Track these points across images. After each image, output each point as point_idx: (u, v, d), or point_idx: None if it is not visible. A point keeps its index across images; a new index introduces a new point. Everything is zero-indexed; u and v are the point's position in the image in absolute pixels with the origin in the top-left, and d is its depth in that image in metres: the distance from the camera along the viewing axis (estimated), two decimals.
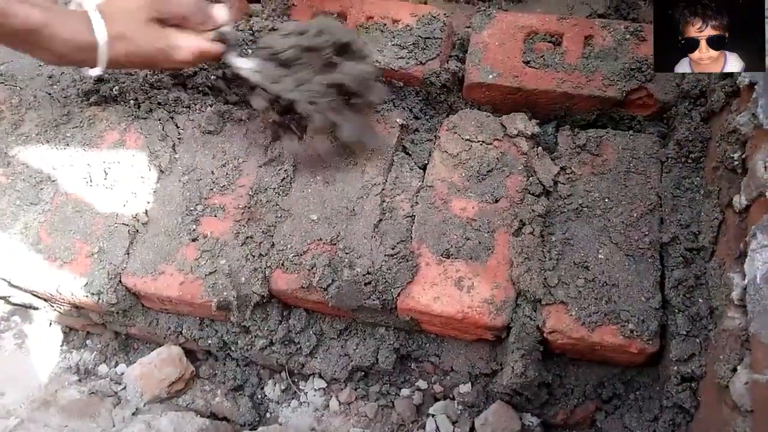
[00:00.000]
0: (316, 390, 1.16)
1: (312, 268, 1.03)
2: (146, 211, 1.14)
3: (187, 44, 1.03)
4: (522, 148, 1.11)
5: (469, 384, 1.09)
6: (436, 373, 1.12)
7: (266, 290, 1.05)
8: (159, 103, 1.23)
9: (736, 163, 0.89)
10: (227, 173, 1.14)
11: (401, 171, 1.13)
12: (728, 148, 0.91)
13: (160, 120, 1.21)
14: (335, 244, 1.05)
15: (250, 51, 1.17)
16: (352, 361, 1.11)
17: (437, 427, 1.09)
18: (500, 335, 1.02)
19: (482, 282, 1.00)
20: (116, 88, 1.24)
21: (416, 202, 1.09)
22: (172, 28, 1.03)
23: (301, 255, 1.05)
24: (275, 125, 1.13)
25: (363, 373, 1.14)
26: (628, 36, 1.17)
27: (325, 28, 1.05)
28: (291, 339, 1.12)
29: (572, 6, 1.38)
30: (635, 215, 1.03)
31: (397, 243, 1.04)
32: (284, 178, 1.12)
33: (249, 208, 1.11)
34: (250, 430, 1.14)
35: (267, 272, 1.06)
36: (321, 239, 1.06)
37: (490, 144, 1.11)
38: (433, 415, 1.10)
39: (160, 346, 1.20)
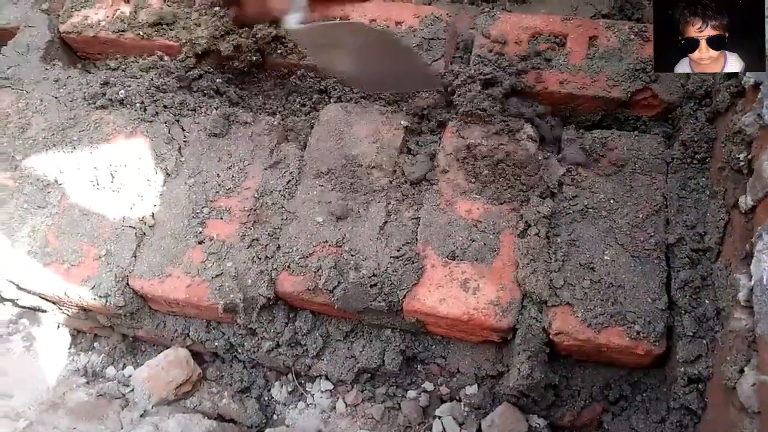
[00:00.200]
0: (322, 392, 1.17)
1: (318, 270, 1.04)
2: (153, 213, 1.14)
3: None
4: (528, 150, 1.10)
5: (476, 386, 1.09)
6: (442, 374, 1.12)
7: (272, 292, 1.06)
8: (165, 106, 1.24)
9: (742, 163, 0.89)
10: (233, 176, 1.15)
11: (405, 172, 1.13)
12: (734, 148, 0.91)
13: (166, 123, 1.21)
14: (341, 246, 1.06)
15: None
16: (358, 362, 1.11)
17: (444, 429, 1.09)
18: (506, 337, 1.02)
19: (488, 283, 1.00)
20: (122, 91, 1.25)
21: (421, 204, 1.09)
22: None
23: (306, 257, 1.06)
24: None
25: (369, 374, 1.14)
26: (632, 36, 1.17)
27: None
28: (297, 341, 1.12)
29: (576, 6, 1.38)
30: (641, 216, 1.03)
31: (403, 245, 1.04)
32: (289, 181, 1.13)
33: (255, 210, 1.11)
34: None
35: (273, 274, 1.06)
36: (327, 241, 1.06)
37: (496, 146, 1.11)
38: (439, 417, 1.10)
39: (167, 348, 1.20)
